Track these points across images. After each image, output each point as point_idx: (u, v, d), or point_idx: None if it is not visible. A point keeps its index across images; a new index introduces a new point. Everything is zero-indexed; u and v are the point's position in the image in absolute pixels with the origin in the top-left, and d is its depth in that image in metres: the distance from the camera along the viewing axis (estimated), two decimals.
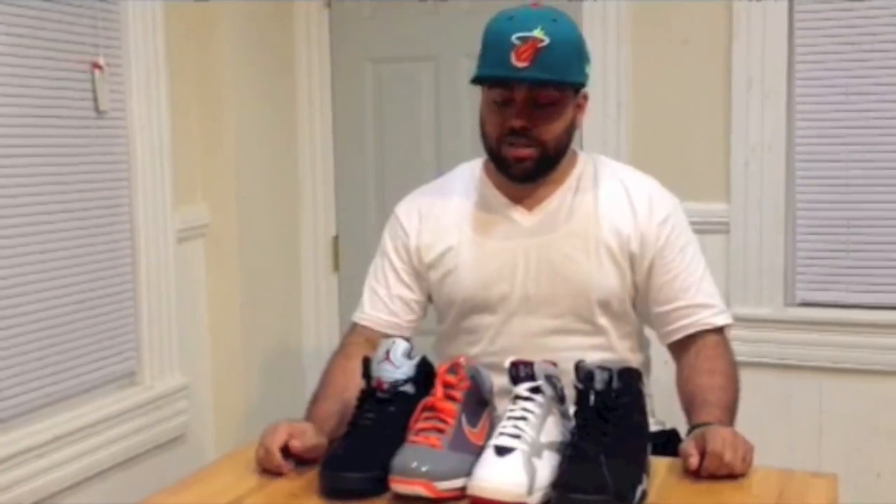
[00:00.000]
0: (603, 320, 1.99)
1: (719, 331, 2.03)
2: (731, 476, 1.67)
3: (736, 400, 1.92)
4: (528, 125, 1.90)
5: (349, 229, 3.65)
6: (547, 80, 1.87)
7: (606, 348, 2.00)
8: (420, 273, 2.08)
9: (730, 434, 1.72)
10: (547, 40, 1.84)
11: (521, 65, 1.84)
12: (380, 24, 3.55)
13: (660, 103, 3.20)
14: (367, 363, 1.76)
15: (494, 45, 1.89)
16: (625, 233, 1.98)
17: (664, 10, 3.16)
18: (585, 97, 2.01)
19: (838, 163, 3.06)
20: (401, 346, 1.78)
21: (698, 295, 2.00)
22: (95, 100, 2.74)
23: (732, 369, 1.99)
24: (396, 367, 1.75)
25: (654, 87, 3.20)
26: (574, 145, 2.07)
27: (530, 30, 1.85)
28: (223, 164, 3.23)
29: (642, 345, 2.11)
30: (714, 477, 1.67)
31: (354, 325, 2.13)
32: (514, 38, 1.85)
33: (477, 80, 1.94)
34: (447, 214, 2.07)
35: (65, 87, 2.65)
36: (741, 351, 3.07)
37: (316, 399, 1.97)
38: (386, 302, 2.09)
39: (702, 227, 2.93)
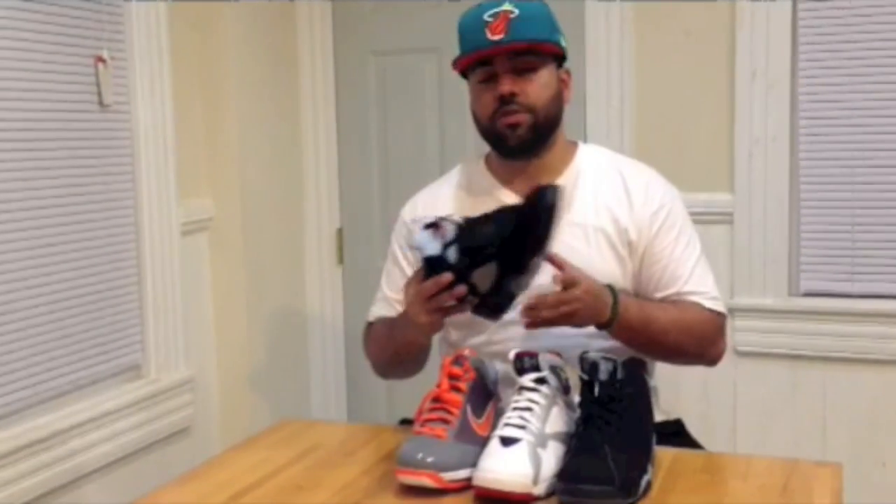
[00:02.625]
0: None
1: (711, 313, 2.03)
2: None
3: (666, 329, 1.94)
4: (515, 90, 1.95)
5: (353, 222, 3.66)
6: (523, 43, 1.94)
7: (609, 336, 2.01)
8: None
9: (587, 292, 1.81)
10: (517, 11, 1.94)
11: (496, 37, 1.93)
12: (382, 17, 3.54)
13: (663, 95, 3.20)
14: None
15: (469, 28, 1.98)
16: (622, 222, 1.99)
17: (667, 3, 3.15)
18: (568, 73, 2.06)
19: (842, 153, 3.05)
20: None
21: (690, 282, 2.01)
22: (99, 94, 2.74)
23: (690, 326, 1.98)
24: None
25: (657, 78, 3.20)
26: (577, 137, 2.07)
27: (499, 6, 1.94)
28: (227, 157, 3.23)
29: None
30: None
31: (370, 324, 2.17)
32: (485, 16, 1.94)
33: (458, 62, 2.00)
34: (448, 209, 2.07)
35: (69, 80, 2.65)
36: (746, 341, 3.12)
37: (387, 330, 2.07)
38: (396, 306, 2.10)
39: (706, 218, 2.96)
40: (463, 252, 1.75)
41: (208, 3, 3.13)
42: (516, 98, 1.95)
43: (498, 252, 1.75)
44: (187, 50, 3.08)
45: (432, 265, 1.76)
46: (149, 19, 2.88)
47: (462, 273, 1.75)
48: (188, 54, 3.09)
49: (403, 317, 1.95)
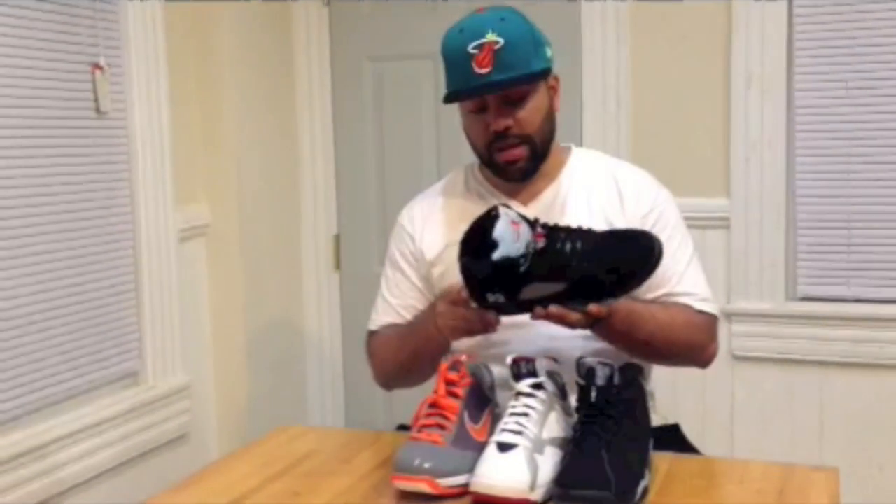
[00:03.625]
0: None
1: (702, 315, 2.01)
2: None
3: (653, 332, 1.91)
4: (509, 124, 1.93)
5: (350, 228, 3.66)
6: (512, 79, 1.90)
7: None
8: (428, 274, 2.08)
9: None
10: (501, 41, 1.88)
11: (483, 71, 1.88)
12: (379, 23, 3.55)
13: (659, 100, 3.20)
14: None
15: (454, 60, 1.93)
16: (616, 224, 1.99)
17: (663, 7, 3.15)
18: (556, 79, 2.04)
19: (838, 157, 3.05)
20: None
21: (682, 283, 1.99)
22: (96, 100, 2.74)
23: (684, 326, 1.97)
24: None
25: (653, 83, 3.20)
26: (574, 141, 2.07)
27: (482, 35, 1.89)
28: (224, 163, 3.23)
29: None
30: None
31: (372, 333, 2.15)
32: (469, 48, 1.89)
33: (448, 99, 1.97)
34: (446, 213, 2.08)
35: (66, 88, 2.66)
36: (743, 345, 3.12)
37: (403, 332, 2.06)
38: (402, 313, 2.10)
39: (702, 223, 2.96)
40: (541, 266, 1.66)
41: (204, 9, 3.13)
42: (510, 131, 1.94)
43: (577, 280, 1.69)
44: (184, 57, 3.08)
45: (498, 267, 1.65)
46: (145, 26, 2.88)
47: (520, 281, 1.67)
48: (184, 61, 3.09)
49: (423, 316, 1.96)
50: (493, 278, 1.67)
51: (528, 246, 1.65)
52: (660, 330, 1.92)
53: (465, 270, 1.71)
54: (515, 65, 1.89)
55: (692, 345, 2.00)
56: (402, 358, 2.05)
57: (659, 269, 1.93)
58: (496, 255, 1.63)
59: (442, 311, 1.85)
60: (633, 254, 1.73)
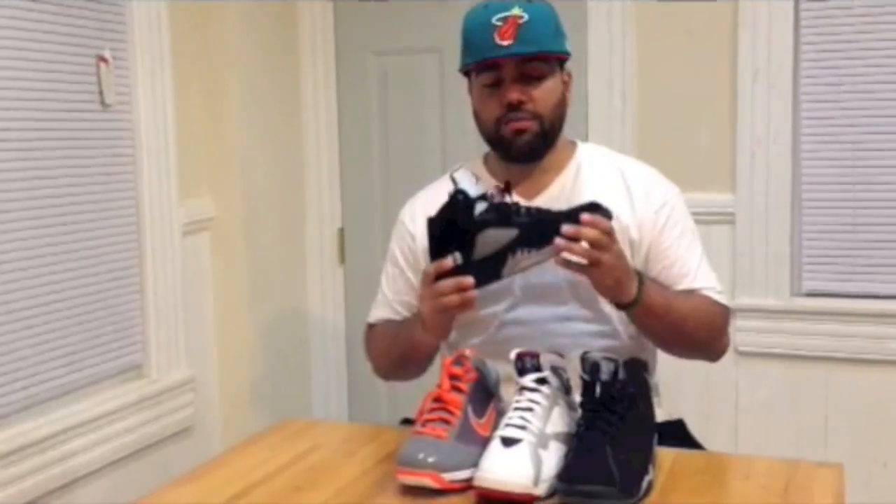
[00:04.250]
0: (606, 307, 1.99)
1: (719, 306, 2.04)
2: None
3: (685, 318, 1.95)
4: (523, 98, 1.95)
5: (355, 222, 3.65)
6: (534, 52, 1.93)
7: (610, 335, 2.01)
8: None
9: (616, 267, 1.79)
10: (526, 16, 1.91)
11: (505, 43, 1.91)
12: (384, 17, 3.54)
13: (665, 95, 3.19)
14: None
15: (476, 31, 1.95)
16: (623, 220, 1.98)
17: (669, 2, 3.14)
18: (569, 75, 2.05)
19: (844, 152, 3.04)
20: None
21: (697, 279, 2.01)
22: (101, 93, 2.74)
23: (705, 317, 2.00)
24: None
25: (659, 78, 3.19)
26: (579, 136, 2.07)
27: (508, 10, 1.92)
28: (228, 157, 3.23)
29: None
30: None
31: (370, 326, 2.18)
32: (494, 20, 1.91)
33: (467, 67, 1.99)
34: None
35: (71, 80, 2.65)
36: (748, 341, 3.12)
37: (392, 331, 2.08)
38: (398, 308, 2.11)
39: (708, 218, 2.95)
40: (492, 208, 1.75)
41: (209, 3, 3.13)
42: (524, 105, 1.94)
43: (528, 224, 1.76)
44: (189, 50, 3.08)
45: (457, 205, 1.74)
46: (150, 19, 2.88)
47: (476, 226, 1.74)
48: (189, 54, 3.08)
49: (414, 316, 1.96)
50: (449, 229, 1.75)
51: (488, 194, 1.75)
52: (691, 314, 1.96)
53: (428, 227, 1.79)
54: (537, 40, 1.92)
55: (714, 333, 2.03)
56: (393, 356, 2.09)
57: (675, 266, 1.95)
58: (455, 190, 1.76)
59: (421, 294, 1.85)
60: (584, 204, 1.79)
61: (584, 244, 1.74)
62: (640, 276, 1.87)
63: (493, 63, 1.94)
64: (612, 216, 1.79)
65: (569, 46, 2.03)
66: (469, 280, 1.75)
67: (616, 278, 1.81)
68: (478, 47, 1.94)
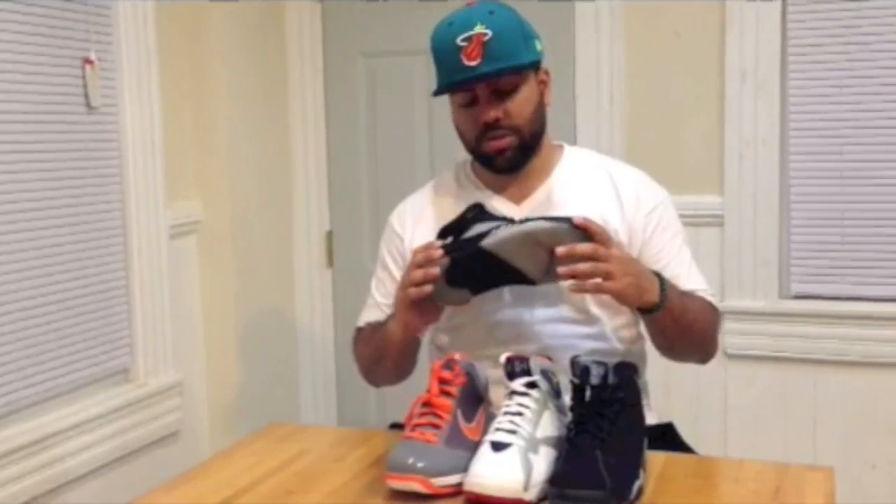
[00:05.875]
0: (596, 310, 1.99)
1: (714, 308, 2.05)
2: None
3: (696, 318, 1.96)
4: (499, 115, 1.94)
5: (343, 224, 3.65)
6: (501, 69, 1.91)
7: (600, 338, 2.00)
8: None
9: (629, 266, 1.81)
10: (490, 33, 1.89)
11: (472, 63, 1.89)
12: (372, 19, 3.54)
13: (653, 97, 3.20)
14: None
15: (443, 53, 1.94)
16: (612, 223, 1.98)
17: (656, 4, 3.15)
18: (547, 73, 2.04)
19: (832, 155, 3.05)
20: None
21: (690, 281, 2.01)
22: (87, 95, 2.73)
23: (707, 318, 2.01)
24: None
25: (647, 80, 3.20)
26: (567, 138, 2.06)
27: (471, 28, 1.90)
28: (216, 159, 3.22)
29: (638, 335, 2.10)
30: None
31: (359, 330, 2.17)
32: (458, 41, 1.89)
33: (438, 92, 1.98)
34: (437, 212, 2.07)
35: (56, 83, 2.64)
36: (736, 343, 3.12)
37: (373, 330, 2.09)
38: (385, 310, 2.09)
39: (696, 221, 2.96)
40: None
41: (196, 4, 3.12)
42: (500, 122, 1.94)
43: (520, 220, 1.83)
44: (175, 52, 3.07)
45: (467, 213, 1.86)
46: (136, 21, 2.87)
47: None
48: (176, 56, 3.07)
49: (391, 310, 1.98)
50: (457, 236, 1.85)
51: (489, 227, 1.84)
52: (700, 314, 1.97)
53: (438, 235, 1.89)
54: (504, 56, 1.90)
55: (713, 334, 2.04)
56: (371, 354, 2.09)
57: (667, 269, 1.95)
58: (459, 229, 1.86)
59: (399, 286, 1.90)
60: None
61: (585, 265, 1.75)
62: (661, 277, 1.88)
63: (463, 84, 1.94)
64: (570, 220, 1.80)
65: (539, 46, 2.00)
66: (438, 250, 1.81)
67: (633, 282, 1.80)
68: (447, 70, 1.94)
